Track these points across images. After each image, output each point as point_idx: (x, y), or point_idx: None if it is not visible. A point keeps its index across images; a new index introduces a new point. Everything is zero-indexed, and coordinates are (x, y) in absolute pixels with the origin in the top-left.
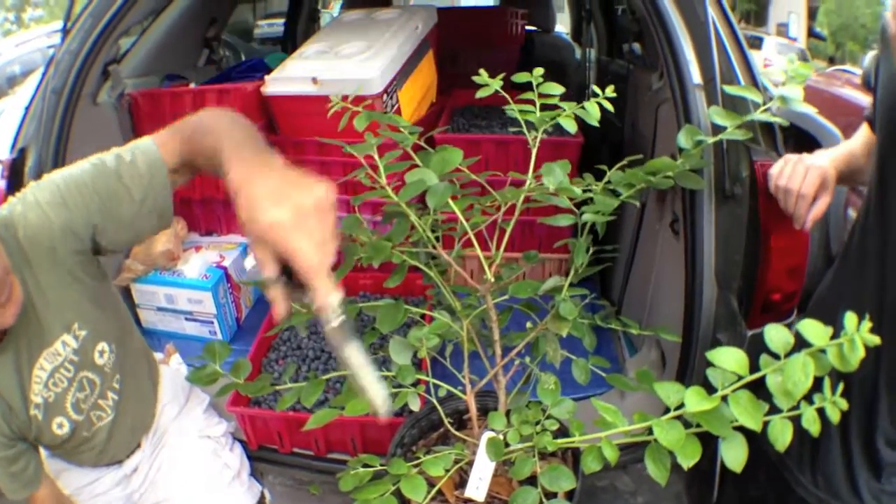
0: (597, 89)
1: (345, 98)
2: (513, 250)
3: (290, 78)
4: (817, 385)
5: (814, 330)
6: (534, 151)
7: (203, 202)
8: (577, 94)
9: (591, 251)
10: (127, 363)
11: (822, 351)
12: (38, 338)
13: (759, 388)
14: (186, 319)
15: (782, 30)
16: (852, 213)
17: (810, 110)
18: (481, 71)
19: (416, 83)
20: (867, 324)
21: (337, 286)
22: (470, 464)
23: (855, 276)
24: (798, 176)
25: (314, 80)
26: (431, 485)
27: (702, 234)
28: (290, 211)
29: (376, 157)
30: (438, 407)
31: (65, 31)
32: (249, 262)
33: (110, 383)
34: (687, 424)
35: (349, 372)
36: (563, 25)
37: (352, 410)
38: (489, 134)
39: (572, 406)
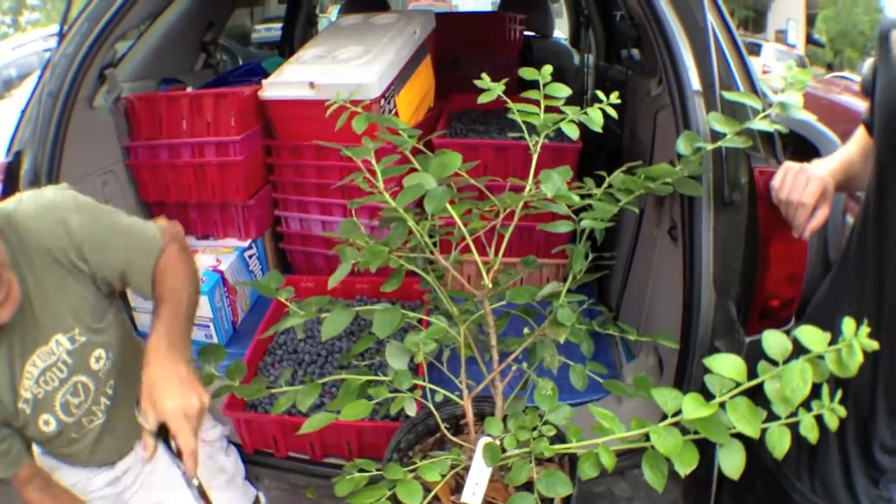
0: (600, 94)
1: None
2: (511, 255)
3: (287, 82)
4: (815, 392)
5: (812, 336)
6: (534, 157)
7: (199, 206)
8: (576, 100)
9: (589, 257)
10: (123, 369)
11: (821, 357)
12: (33, 335)
13: (756, 395)
14: None
15: (781, 36)
16: (850, 220)
17: (809, 117)
18: (483, 75)
19: (413, 88)
20: (865, 329)
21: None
22: (466, 469)
23: (853, 282)
24: (799, 186)
25: (312, 85)
26: (427, 490)
27: (700, 240)
28: (179, 405)
29: (374, 161)
30: (435, 412)
31: (61, 35)
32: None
33: (104, 388)
34: (684, 431)
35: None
36: (561, 31)
37: (348, 414)
38: (487, 139)
39: (569, 412)
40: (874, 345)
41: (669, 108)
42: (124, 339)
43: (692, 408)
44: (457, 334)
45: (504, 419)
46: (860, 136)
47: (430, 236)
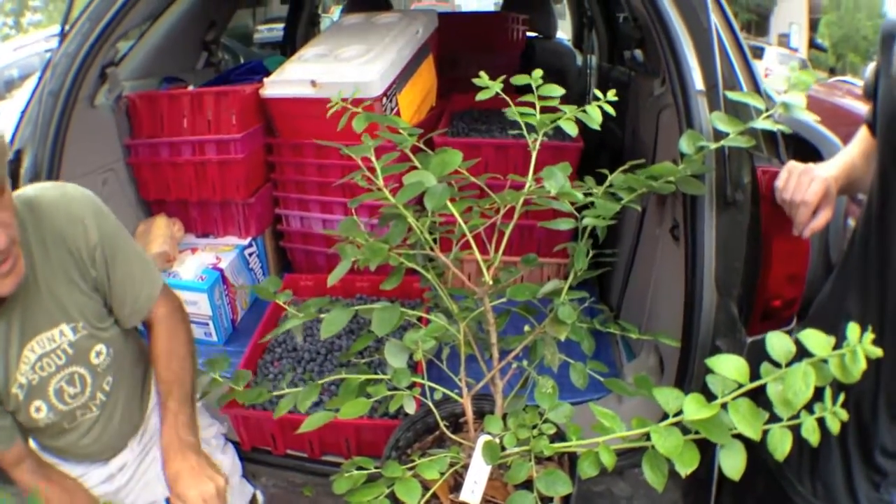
0: (598, 93)
1: (344, 100)
2: (511, 254)
3: (289, 80)
4: (817, 395)
5: (815, 340)
6: (534, 154)
7: (200, 204)
8: (579, 100)
9: (590, 255)
10: (123, 366)
11: (824, 361)
12: (37, 319)
13: (758, 396)
14: None
15: (784, 40)
16: (851, 223)
17: (813, 118)
18: (482, 73)
19: (415, 87)
20: (870, 335)
21: None
22: (465, 467)
23: (856, 284)
24: (803, 186)
25: (313, 83)
26: (426, 488)
27: (702, 239)
28: (200, 493)
29: (373, 159)
30: (434, 409)
31: (62, 34)
32: None
33: (101, 383)
34: (685, 431)
35: None
36: (564, 32)
37: (347, 413)
38: (489, 138)
39: (570, 410)
40: (878, 352)
41: (672, 108)
42: (126, 337)
43: (694, 408)
44: (456, 332)
45: (504, 417)
46: (862, 137)
47: (430, 233)
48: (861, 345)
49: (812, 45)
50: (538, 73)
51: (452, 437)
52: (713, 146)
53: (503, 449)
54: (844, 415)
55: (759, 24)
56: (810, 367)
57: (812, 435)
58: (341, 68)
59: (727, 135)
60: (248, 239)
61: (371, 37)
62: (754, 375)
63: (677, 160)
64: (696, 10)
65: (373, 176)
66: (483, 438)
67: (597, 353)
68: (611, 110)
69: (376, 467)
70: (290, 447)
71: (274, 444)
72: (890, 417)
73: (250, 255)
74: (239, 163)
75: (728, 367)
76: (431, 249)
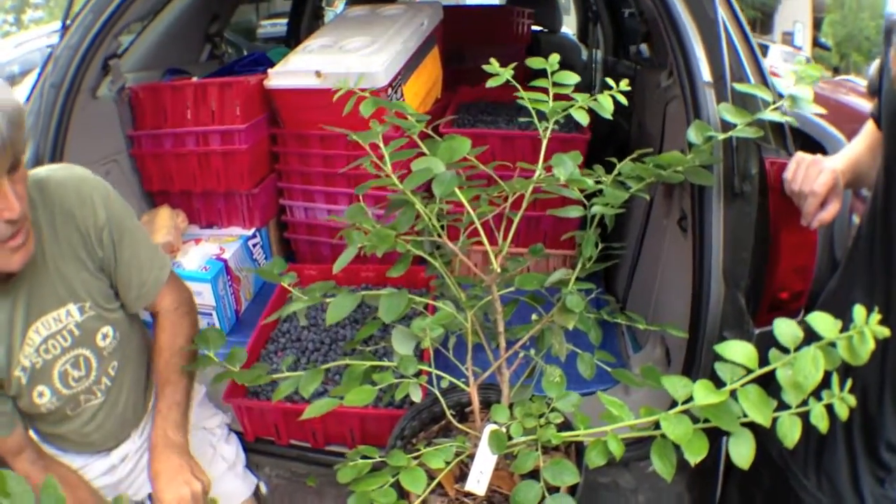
0: (610, 82)
1: (350, 93)
2: (518, 246)
3: (293, 71)
4: (823, 384)
5: (823, 323)
6: (544, 142)
7: (204, 195)
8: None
9: (599, 246)
10: (128, 352)
11: (832, 345)
12: (44, 299)
13: (766, 387)
14: None
15: (788, 38)
16: (856, 219)
17: (819, 110)
18: (492, 60)
19: (420, 78)
20: (876, 316)
21: None
22: (471, 457)
23: (862, 278)
24: (811, 177)
25: (318, 74)
26: (431, 478)
27: (710, 231)
28: (173, 497)
29: (381, 145)
30: (440, 398)
31: (64, 27)
32: None
33: (106, 368)
34: (693, 420)
35: None
36: (569, 27)
37: (352, 400)
38: (495, 129)
39: (577, 399)
40: (885, 331)
41: (679, 100)
42: (132, 324)
43: (703, 394)
44: (464, 320)
45: (510, 407)
46: (868, 131)
47: (438, 221)
48: (868, 326)
49: (816, 43)
50: (555, 57)
51: (459, 425)
52: (721, 136)
53: (510, 438)
54: (852, 401)
55: (763, 21)
56: (819, 351)
57: (821, 422)
58: (346, 59)
59: (735, 126)
60: (252, 229)
61: (376, 28)
62: (762, 367)
63: (685, 151)
64: (702, 2)
65: (380, 162)
66: (489, 427)
67: (602, 345)
68: (623, 100)
69: (381, 457)
70: (293, 437)
71: (277, 434)
72: (895, 413)
73: (254, 245)
74: (243, 153)
75: (737, 353)
76: (439, 236)
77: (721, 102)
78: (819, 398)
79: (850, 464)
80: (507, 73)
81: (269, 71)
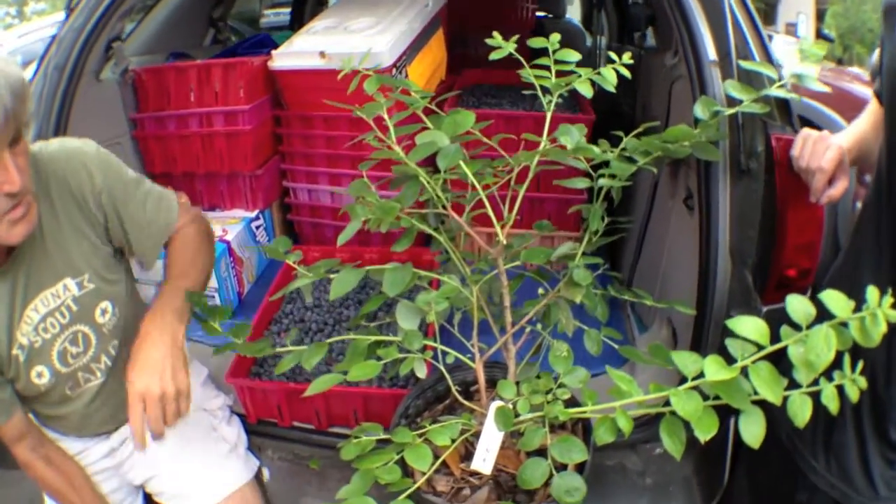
0: (613, 55)
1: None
2: (522, 227)
3: (298, 52)
4: (833, 366)
5: (836, 301)
6: (549, 114)
7: (206, 177)
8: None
9: (605, 221)
10: (130, 334)
11: (844, 325)
12: (41, 274)
13: (774, 366)
14: None
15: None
16: (860, 206)
17: (823, 89)
18: (495, 34)
19: (425, 59)
20: (889, 299)
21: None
22: (476, 435)
23: (868, 255)
24: (819, 153)
25: (322, 55)
26: (436, 457)
27: (717, 208)
28: (144, 386)
29: (386, 117)
30: (446, 373)
31: (68, 10)
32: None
33: (106, 346)
34: (703, 398)
35: None
36: (573, 14)
37: (356, 375)
38: (499, 110)
39: (585, 374)
40: None
41: (685, 79)
42: (133, 301)
43: (714, 369)
44: (469, 295)
45: (517, 385)
46: (872, 109)
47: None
48: (881, 309)
49: (819, 35)
50: (556, 36)
51: (465, 402)
52: (728, 111)
53: (516, 415)
54: (863, 382)
55: (766, 12)
56: (831, 330)
57: (832, 402)
58: (351, 39)
59: (741, 102)
60: (255, 212)
61: (380, 9)
62: (772, 345)
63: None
64: None
65: (385, 137)
66: (496, 404)
67: (608, 326)
68: (626, 73)
69: (386, 434)
70: (296, 419)
71: (280, 415)
72: None
73: (257, 227)
74: (247, 134)
75: (748, 328)
76: (444, 208)
77: (727, 79)
78: (830, 378)
79: (859, 445)
80: (509, 47)
81: (273, 52)
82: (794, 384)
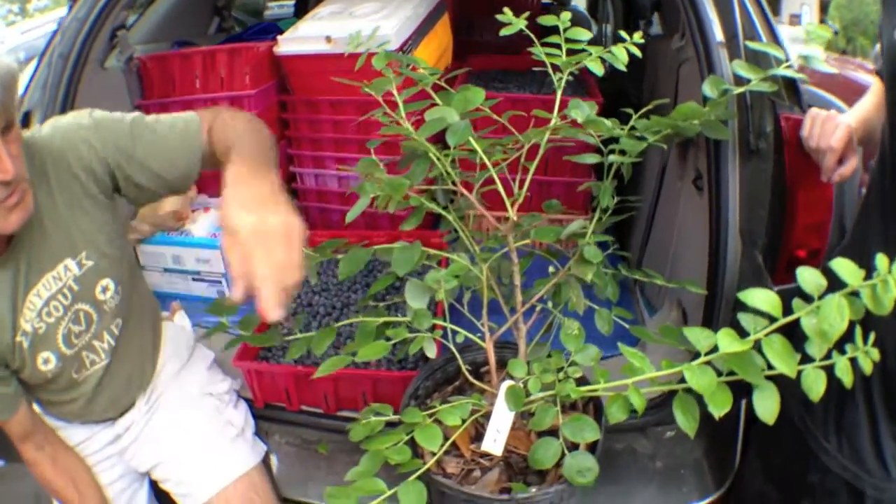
0: (623, 34)
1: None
2: (530, 211)
3: (303, 37)
4: (845, 339)
5: (847, 268)
6: (559, 92)
7: None
8: None
9: (616, 199)
10: (131, 309)
11: (856, 294)
12: (42, 258)
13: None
14: (193, 280)
15: (795, 20)
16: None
17: (830, 70)
18: (505, 10)
19: (431, 44)
20: None
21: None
22: (487, 416)
23: (874, 232)
24: (828, 133)
25: (328, 39)
26: (446, 437)
27: (727, 188)
28: (254, 223)
29: (396, 93)
30: (456, 353)
31: (72, 0)
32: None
33: (108, 325)
34: (717, 374)
35: None
36: (579, 2)
37: (365, 354)
38: (507, 94)
39: (596, 353)
40: None
41: (692, 61)
42: (134, 277)
43: (727, 342)
44: (479, 273)
45: (528, 364)
46: (875, 89)
47: (451, 178)
48: (892, 275)
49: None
50: (566, 15)
51: (476, 382)
52: (737, 90)
53: (527, 394)
54: (876, 354)
55: (771, 3)
56: (843, 299)
57: (846, 376)
58: (356, 24)
59: (749, 82)
60: None
61: None
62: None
63: None
64: None
65: (394, 114)
66: (507, 384)
67: (619, 307)
68: (636, 51)
69: (395, 414)
70: (304, 403)
71: (288, 399)
72: None
73: None
74: None
75: (760, 300)
76: (454, 183)
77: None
78: (843, 352)
79: (870, 425)
80: (520, 23)
81: (279, 37)
82: (805, 360)
